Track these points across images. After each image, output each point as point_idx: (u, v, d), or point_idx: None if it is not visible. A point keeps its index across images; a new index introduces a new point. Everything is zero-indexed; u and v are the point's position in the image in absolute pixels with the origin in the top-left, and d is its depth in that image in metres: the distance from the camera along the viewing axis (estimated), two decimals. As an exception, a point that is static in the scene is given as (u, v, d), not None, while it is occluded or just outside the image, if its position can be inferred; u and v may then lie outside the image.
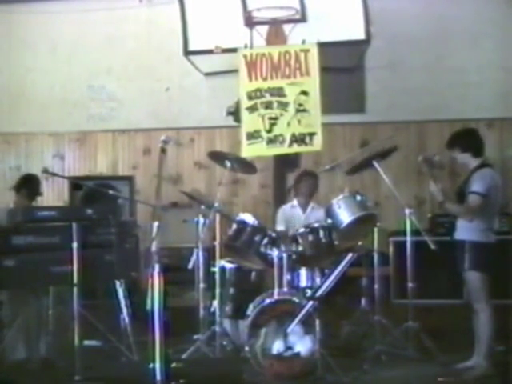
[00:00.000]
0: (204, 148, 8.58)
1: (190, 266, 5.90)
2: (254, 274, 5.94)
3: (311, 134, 6.66)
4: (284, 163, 7.70)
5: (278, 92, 6.71)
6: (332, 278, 5.19)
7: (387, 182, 5.83)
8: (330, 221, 5.73)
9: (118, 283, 5.79)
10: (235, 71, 6.97)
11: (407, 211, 5.78)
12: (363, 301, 6.07)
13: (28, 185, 6.32)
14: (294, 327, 5.15)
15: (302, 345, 5.16)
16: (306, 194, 6.83)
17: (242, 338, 5.51)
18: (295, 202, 6.88)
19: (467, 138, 5.44)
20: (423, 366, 5.44)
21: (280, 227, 6.72)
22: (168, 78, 8.80)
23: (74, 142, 9.07)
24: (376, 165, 5.81)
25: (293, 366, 5.14)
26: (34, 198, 6.35)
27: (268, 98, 6.72)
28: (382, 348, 5.58)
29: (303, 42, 6.73)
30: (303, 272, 5.85)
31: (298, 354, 5.15)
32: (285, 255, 5.62)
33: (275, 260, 5.63)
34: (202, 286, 5.95)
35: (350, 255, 5.20)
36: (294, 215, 6.78)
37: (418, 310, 5.78)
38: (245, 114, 6.77)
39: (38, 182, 6.41)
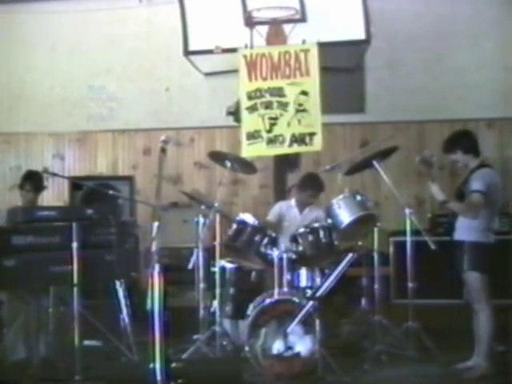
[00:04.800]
0: (204, 148, 8.58)
1: (190, 266, 5.92)
2: (254, 274, 5.94)
3: (311, 134, 6.65)
4: (284, 163, 7.68)
5: (278, 92, 6.70)
6: (332, 278, 5.20)
7: (387, 182, 5.83)
8: (330, 221, 5.74)
9: (118, 283, 5.79)
10: (235, 71, 6.97)
11: (407, 211, 5.78)
12: (363, 301, 6.06)
13: (31, 180, 6.32)
14: (294, 327, 5.16)
15: (302, 345, 5.17)
16: (306, 203, 6.58)
17: (242, 338, 5.51)
18: (293, 201, 6.69)
19: (467, 139, 5.44)
20: (423, 365, 5.44)
21: (270, 218, 6.58)
22: (168, 78, 8.80)
23: (74, 142, 9.06)
24: (376, 165, 5.81)
25: (293, 365, 5.14)
26: (39, 192, 6.34)
27: (268, 97, 6.71)
28: (382, 348, 5.58)
29: (303, 42, 6.73)
30: (303, 272, 5.86)
31: (298, 354, 5.16)
32: (285, 255, 5.63)
33: (275, 260, 5.64)
34: (201, 285, 5.94)
35: (350, 255, 5.21)
36: (290, 215, 6.61)
37: (417, 310, 5.78)
38: (245, 114, 6.77)
39: (40, 176, 6.41)
